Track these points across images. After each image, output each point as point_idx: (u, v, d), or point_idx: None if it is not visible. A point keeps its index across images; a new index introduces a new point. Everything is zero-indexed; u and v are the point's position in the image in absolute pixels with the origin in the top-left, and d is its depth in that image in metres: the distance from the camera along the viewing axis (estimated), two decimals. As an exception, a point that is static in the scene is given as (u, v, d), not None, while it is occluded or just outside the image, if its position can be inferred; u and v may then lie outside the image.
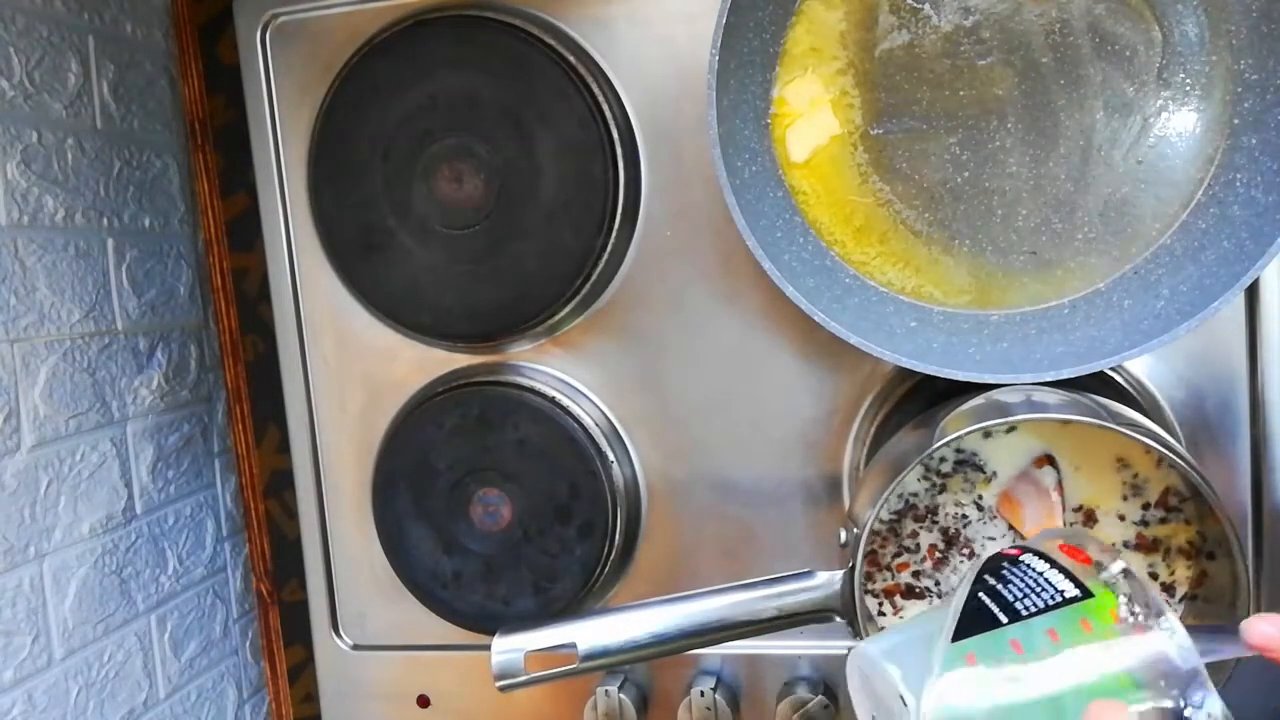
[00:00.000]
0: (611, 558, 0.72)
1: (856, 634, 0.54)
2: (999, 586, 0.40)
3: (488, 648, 0.76)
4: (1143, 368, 0.65)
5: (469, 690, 0.78)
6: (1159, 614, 0.36)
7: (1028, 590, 0.39)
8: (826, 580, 0.55)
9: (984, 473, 0.56)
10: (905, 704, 0.38)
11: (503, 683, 0.56)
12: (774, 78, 0.62)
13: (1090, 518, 0.56)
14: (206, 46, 0.85)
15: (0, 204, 0.68)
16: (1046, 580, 0.39)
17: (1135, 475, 0.55)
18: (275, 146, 0.76)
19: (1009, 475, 0.56)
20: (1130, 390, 0.65)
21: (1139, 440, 0.50)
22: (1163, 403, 0.65)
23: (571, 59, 0.68)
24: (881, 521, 0.57)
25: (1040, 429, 0.55)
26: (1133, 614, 0.37)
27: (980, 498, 0.57)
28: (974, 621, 0.39)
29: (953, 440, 0.53)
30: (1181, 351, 0.65)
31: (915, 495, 0.57)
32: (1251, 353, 0.64)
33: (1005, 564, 0.41)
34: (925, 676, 0.38)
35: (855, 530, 0.54)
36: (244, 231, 0.85)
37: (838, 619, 0.55)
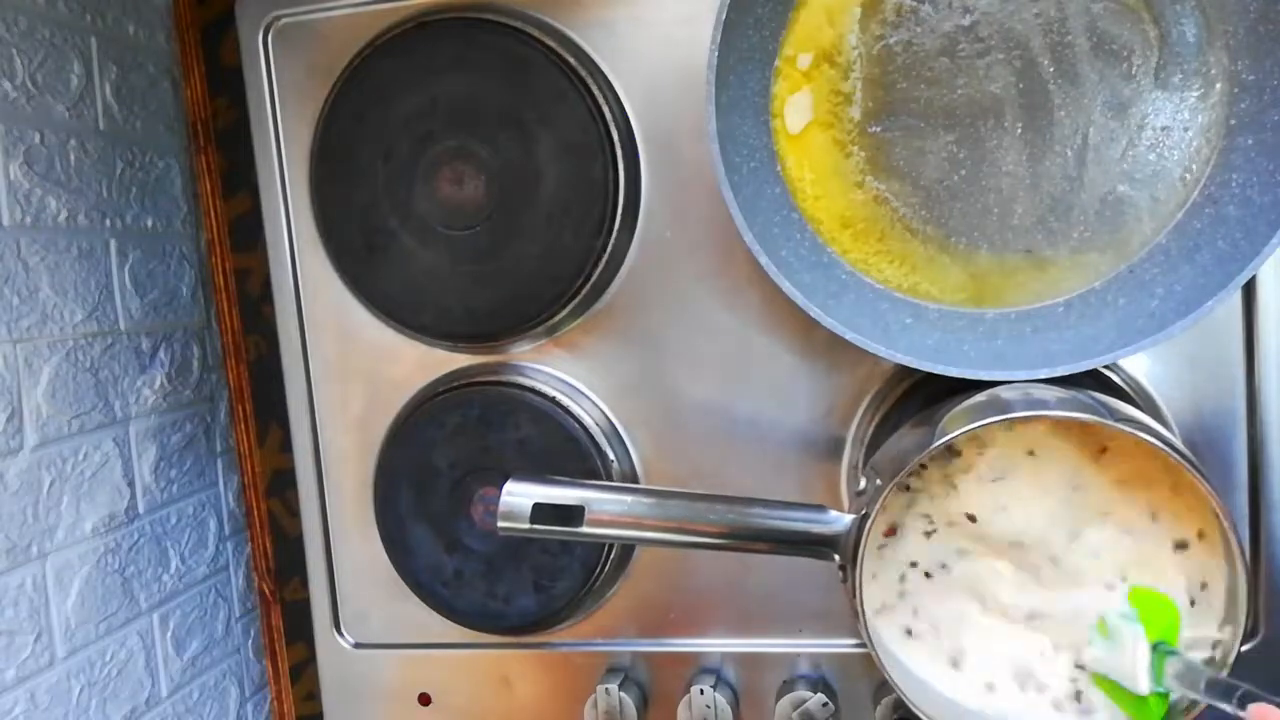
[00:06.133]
0: (612, 557, 0.72)
1: (848, 580, 0.54)
2: None
3: (489, 646, 0.77)
4: (1140, 368, 0.66)
5: (470, 688, 0.78)
6: None
7: None
8: (836, 519, 0.55)
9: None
10: None
11: (504, 524, 0.57)
12: (780, 44, 0.62)
13: None
14: (209, 48, 0.85)
15: (3, 205, 0.69)
16: None
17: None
18: (277, 148, 0.76)
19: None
20: (1127, 390, 0.65)
21: (1138, 437, 0.51)
22: (1160, 403, 0.66)
23: (572, 61, 0.69)
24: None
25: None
26: None
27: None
28: None
29: (953, 438, 0.53)
30: (1179, 352, 0.65)
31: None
32: (1248, 353, 0.65)
33: None
34: None
35: (878, 481, 0.54)
36: (246, 232, 0.85)
37: (835, 559, 0.55)
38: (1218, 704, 0.50)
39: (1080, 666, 0.56)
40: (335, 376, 0.77)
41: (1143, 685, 0.52)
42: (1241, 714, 0.48)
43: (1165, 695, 0.52)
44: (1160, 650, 0.52)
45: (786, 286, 0.58)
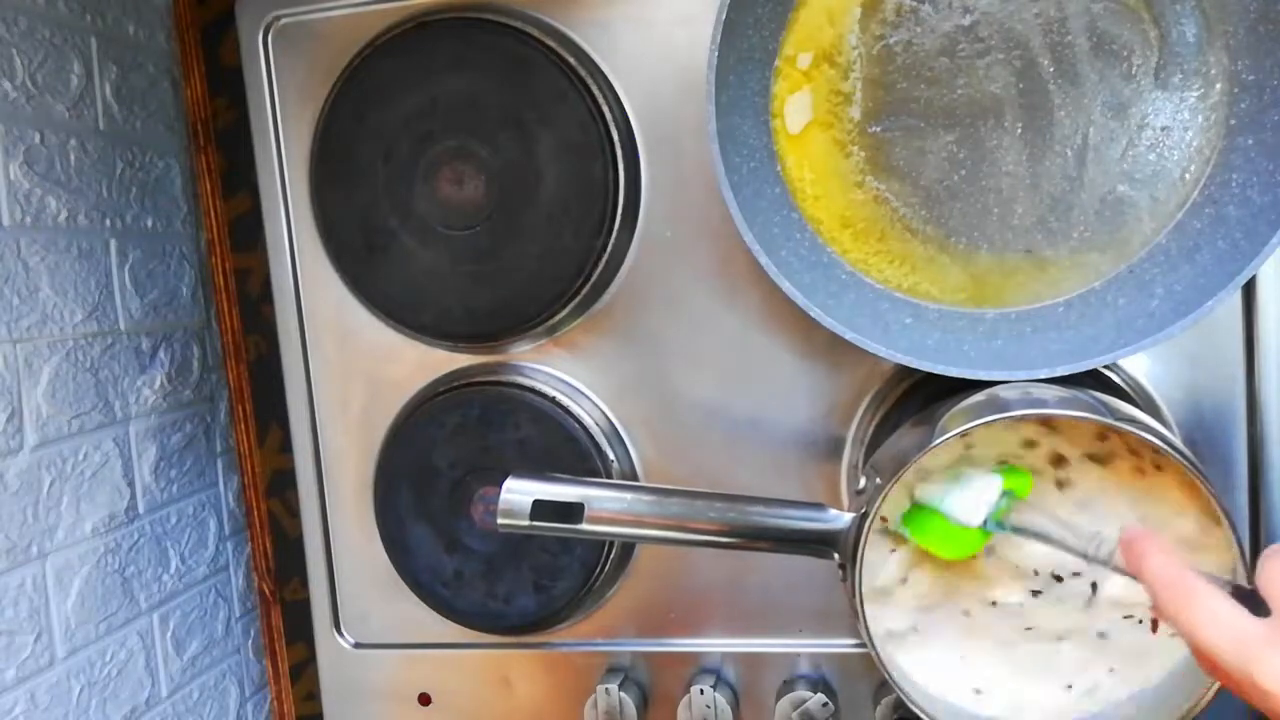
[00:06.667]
0: (611, 556, 0.72)
1: (847, 579, 0.54)
2: None
3: (489, 646, 0.77)
4: (1140, 367, 0.66)
5: (470, 688, 0.78)
6: None
7: None
8: (836, 517, 0.56)
9: None
10: None
11: (504, 521, 0.57)
12: (780, 44, 0.62)
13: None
14: (209, 48, 0.85)
15: (3, 205, 0.69)
16: None
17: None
18: (277, 148, 0.76)
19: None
20: (1127, 389, 0.65)
21: (1138, 435, 0.51)
22: (1160, 402, 0.66)
23: (572, 61, 0.69)
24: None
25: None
26: None
27: None
28: None
29: (953, 436, 0.53)
30: (1179, 351, 0.65)
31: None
32: (1248, 353, 0.65)
33: None
34: None
35: (877, 480, 0.54)
36: (246, 232, 0.85)
37: (835, 557, 0.55)
38: (1069, 550, 0.51)
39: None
40: (335, 376, 0.78)
41: (978, 518, 0.53)
42: (1102, 561, 0.49)
43: (987, 534, 0.54)
44: (1009, 497, 0.54)
45: (786, 286, 0.58)
